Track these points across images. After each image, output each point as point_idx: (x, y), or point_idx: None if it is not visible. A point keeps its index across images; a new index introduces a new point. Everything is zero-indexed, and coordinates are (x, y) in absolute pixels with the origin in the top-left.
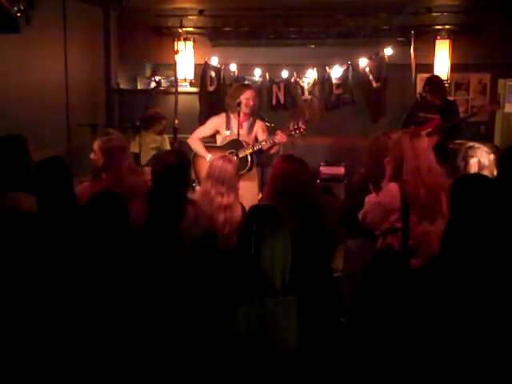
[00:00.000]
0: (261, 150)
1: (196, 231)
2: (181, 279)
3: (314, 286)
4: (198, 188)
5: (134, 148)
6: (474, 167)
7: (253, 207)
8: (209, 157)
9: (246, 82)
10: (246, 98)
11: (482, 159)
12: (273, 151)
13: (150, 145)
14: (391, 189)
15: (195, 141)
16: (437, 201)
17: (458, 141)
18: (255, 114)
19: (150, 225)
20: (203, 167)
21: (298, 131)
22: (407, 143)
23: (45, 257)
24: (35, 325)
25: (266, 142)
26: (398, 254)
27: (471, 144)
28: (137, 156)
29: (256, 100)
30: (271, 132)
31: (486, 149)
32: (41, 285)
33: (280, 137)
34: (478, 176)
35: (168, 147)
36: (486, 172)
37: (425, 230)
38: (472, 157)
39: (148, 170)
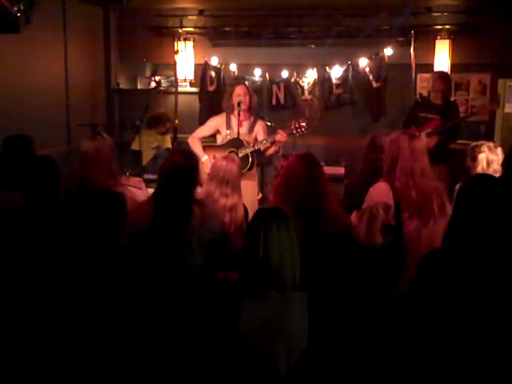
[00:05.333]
0: (260, 150)
1: (203, 232)
2: (188, 280)
3: (323, 286)
4: (198, 189)
5: (135, 146)
6: (481, 163)
7: (260, 209)
8: (204, 158)
9: (246, 82)
10: (238, 94)
11: (489, 154)
12: (271, 151)
13: (152, 144)
14: (381, 187)
15: (194, 140)
16: (428, 203)
17: (459, 141)
18: (256, 114)
19: (157, 226)
20: (203, 168)
21: (299, 130)
22: (406, 143)
23: (24, 253)
24: (33, 321)
25: (266, 141)
26: (393, 251)
27: (476, 143)
28: (136, 154)
29: (249, 95)
30: (272, 132)
31: (491, 144)
32: (30, 285)
33: (281, 136)
34: (488, 176)
35: (169, 146)
36: (495, 166)
37: (416, 227)
38: (480, 152)
39: (135, 178)
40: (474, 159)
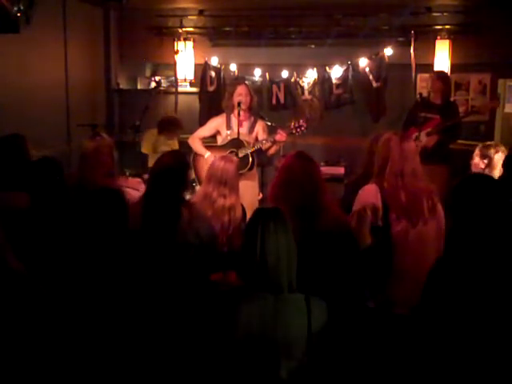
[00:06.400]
0: (261, 150)
1: (191, 234)
2: (176, 281)
3: (322, 285)
4: (198, 188)
5: (143, 149)
6: (499, 162)
7: (258, 209)
8: (207, 154)
9: (247, 82)
10: (239, 94)
11: (503, 155)
12: (272, 151)
13: (161, 147)
14: (370, 189)
15: (195, 140)
16: (417, 204)
17: (459, 141)
18: (256, 114)
19: (146, 227)
20: (204, 167)
21: (299, 129)
22: (396, 145)
23: (37, 251)
24: (32, 321)
25: (266, 141)
26: (380, 252)
27: (488, 143)
28: (143, 156)
29: (251, 96)
30: (272, 132)
31: (502, 147)
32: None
33: (280, 135)
34: (483, 176)
35: (177, 148)
36: None
37: (403, 228)
38: (497, 152)
39: (133, 179)
40: (486, 157)
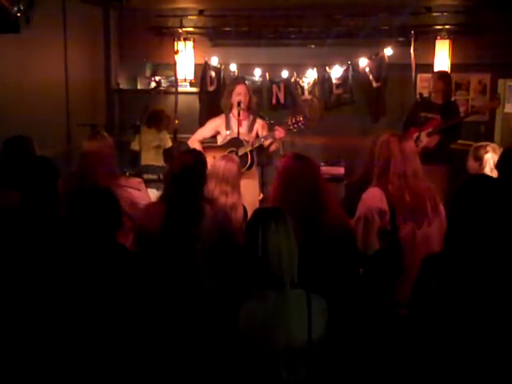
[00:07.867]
0: (261, 148)
1: (214, 229)
2: (201, 278)
3: (324, 285)
4: None
5: (134, 146)
6: (489, 162)
7: (258, 209)
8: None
9: (246, 82)
10: (238, 93)
11: (494, 155)
12: (272, 148)
13: (152, 143)
14: (374, 192)
15: (194, 142)
16: (421, 205)
17: (459, 141)
18: (255, 113)
19: (169, 225)
20: None
21: (296, 125)
22: (396, 146)
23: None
24: (29, 323)
25: (265, 139)
26: (390, 256)
27: (480, 144)
28: (135, 153)
29: (249, 96)
30: (271, 130)
31: (495, 145)
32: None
33: (279, 132)
34: (486, 177)
35: (170, 144)
36: None
37: (410, 230)
38: (486, 152)
39: (134, 179)
40: (478, 159)
